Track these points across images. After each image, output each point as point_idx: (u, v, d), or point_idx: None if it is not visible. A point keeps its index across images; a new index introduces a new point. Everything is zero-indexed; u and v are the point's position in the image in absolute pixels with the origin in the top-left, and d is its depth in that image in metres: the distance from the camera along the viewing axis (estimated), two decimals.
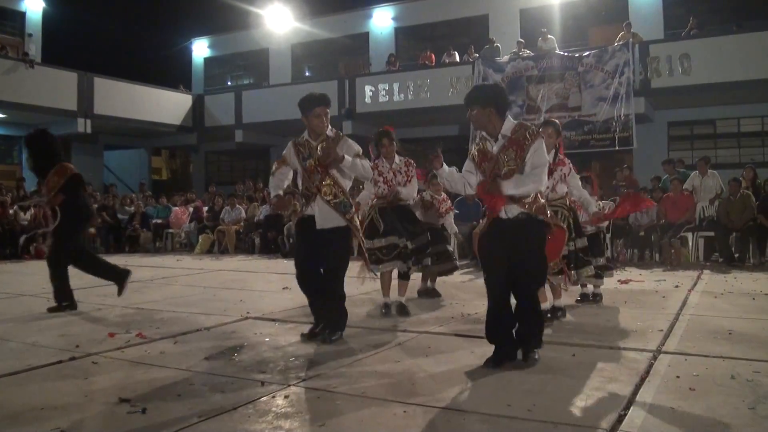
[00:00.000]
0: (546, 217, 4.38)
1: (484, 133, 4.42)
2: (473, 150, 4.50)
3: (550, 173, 5.60)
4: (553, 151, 5.71)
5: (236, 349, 4.92)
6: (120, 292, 6.96)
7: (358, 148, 5.16)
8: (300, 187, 5.22)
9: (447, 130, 18.64)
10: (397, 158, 6.41)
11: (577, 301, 6.76)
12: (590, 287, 6.79)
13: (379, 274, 6.24)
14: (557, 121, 6.16)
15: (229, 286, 8.71)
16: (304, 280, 5.17)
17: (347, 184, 5.16)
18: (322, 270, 5.15)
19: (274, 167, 5.42)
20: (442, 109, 17.01)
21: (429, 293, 7.39)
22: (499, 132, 4.30)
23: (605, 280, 6.80)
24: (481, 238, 4.45)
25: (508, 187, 4.20)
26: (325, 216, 5.04)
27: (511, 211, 4.30)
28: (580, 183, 5.93)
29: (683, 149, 16.93)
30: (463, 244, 11.51)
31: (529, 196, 4.26)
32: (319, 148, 5.04)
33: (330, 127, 5.15)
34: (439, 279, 7.55)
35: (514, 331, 4.37)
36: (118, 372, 4.30)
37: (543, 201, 4.41)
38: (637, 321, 5.75)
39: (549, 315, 5.73)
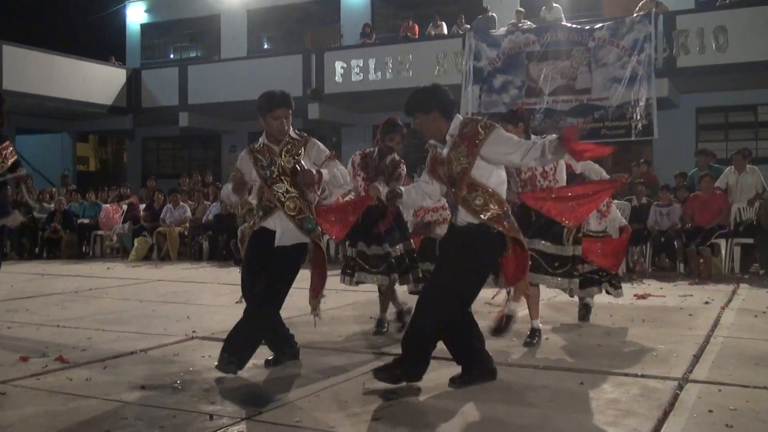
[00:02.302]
0: (503, 229, 4.49)
1: (432, 141, 4.67)
2: (427, 160, 4.81)
3: None
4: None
5: (179, 375, 4.87)
6: None
7: (327, 151, 5.24)
8: (258, 201, 5.20)
9: None
10: (389, 157, 6.43)
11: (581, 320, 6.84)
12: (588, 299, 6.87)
13: (354, 283, 6.40)
14: (513, 109, 6.28)
15: (171, 299, 8.65)
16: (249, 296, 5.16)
17: (314, 198, 5.21)
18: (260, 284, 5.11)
19: (230, 178, 5.45)
20: None
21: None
22: (446, 134, 4.56)
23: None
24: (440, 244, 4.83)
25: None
26: (286, 233, 5.08)
27: (462, 218, 4.54)
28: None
29: (716, 140, 17.08)
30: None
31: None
32: (283, 152, 5.07)
33: (292, 128, 5.19)
34: None
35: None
36: (33, 404, 4.23)
37: (500, 212, 4.50)
38: (657, 343, 5.79)
39: (527, 339, 5.78)
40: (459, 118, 4.60)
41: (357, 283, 6.42)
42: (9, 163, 6.73)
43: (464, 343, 4.60)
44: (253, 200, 5.36)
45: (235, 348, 4.87)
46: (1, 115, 6.71)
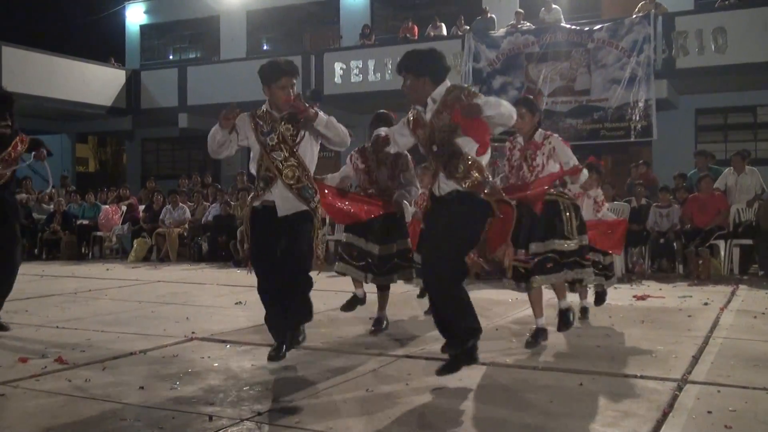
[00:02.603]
0: (484, 195, 4.49)
1: (418, 107, 4.71)
2: (408, 115, 4.81)
3: (535, 151, 5.72)
4: (539, 132, 5.79)
5: (179, 376, 4.87)
6: None
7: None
8: (257, 170, 5.19)
9: None
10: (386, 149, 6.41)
11: (580, 318, 6.83)
12: (583, 299, 6.87)
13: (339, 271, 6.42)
14: (530, 97, 6.28)
15: (171, 300, 8.65)
16: (266, 284, 5.11)
17: (312, 167, 5.20)
18: (284, 264, 5.08)
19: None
20: None
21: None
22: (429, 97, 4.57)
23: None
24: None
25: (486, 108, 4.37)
26: (286, 202, 5.07)
27: (444, 187, 4.54)
28: (571, 153, 5.82)
29: (715, 141, 17.10)
30: None
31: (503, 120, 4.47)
32: (284, 120, 5.08)
33: None
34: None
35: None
36: (32, 405, 4.22)
37: (481, 179, 4.50)
38: (656, 344, 5.79)
39: (530, 338, 5.76)
40: (446, 84, 4.60)
41: (341, 273, 6.40)
42: (26, 146, 6.81)
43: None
44: (252, 169, 5.29)
45: (294, 317, 5.06)
46: (11, 115, 6.76)
